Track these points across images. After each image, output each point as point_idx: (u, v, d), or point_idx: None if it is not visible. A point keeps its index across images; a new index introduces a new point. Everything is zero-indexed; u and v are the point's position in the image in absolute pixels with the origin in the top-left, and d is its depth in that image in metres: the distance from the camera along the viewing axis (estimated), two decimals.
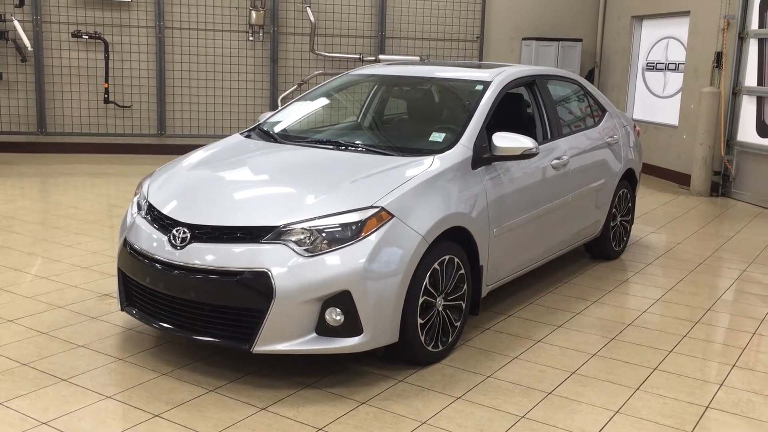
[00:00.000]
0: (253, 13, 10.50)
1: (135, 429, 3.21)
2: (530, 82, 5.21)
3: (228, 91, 10.77)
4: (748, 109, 9.00)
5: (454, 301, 4.03)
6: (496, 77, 4.87)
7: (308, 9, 10.56)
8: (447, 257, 3.91)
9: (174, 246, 3.67)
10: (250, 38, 10.69)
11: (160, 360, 3.88)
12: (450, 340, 4.04)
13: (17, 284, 4.98)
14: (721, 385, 3.88)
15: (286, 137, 4.80)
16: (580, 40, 11.40)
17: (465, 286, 4.09)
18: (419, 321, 3.77)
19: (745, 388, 3.85)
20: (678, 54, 10.24)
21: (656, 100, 10.75)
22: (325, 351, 3.56)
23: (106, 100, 10.29)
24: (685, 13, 9.84)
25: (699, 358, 4.23)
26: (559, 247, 5.32)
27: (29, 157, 10.08)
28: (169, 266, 3.67)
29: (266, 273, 3.46)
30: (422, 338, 3.82)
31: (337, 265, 3.49)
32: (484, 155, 4.32)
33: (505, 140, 4.34)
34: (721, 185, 9.23)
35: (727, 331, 4.76)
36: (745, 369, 4.09)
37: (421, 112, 5.29)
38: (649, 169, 10.21)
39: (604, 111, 6.07)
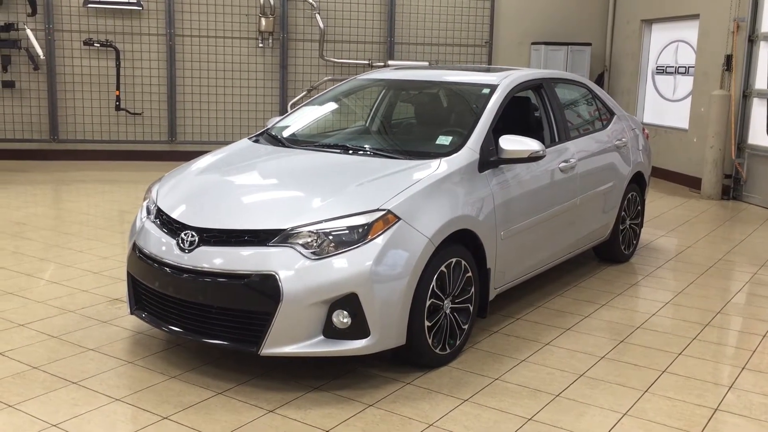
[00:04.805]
0: (263, 20, 10.57)
1: (144, 431, 3.23)
2: (537, 86, 5.21)
3: (238, 97, 10.83)
4: (758, 112, 8.95)
5: (461, 304, 4.03)
6: (503, 81, 4.88)
7: (317, 15, 10.61)
8: (454, 260, 3.92)
9: (182, 249, 3.70)
10: (260, 45, 10.75)
11: (169, 363, 3.90)
12: (457, 342, 4.04)
13: (29, 289, 5.02)
14: (731, 387, 3.86)
15: (294, 141, 4.83)
16: (589, 44, 11.39)
17: (472, 289, 4.08)
18: (426, 324, 3.77)
19: (756, 391, 3.82)
20: (688, 57, 10.21)
21: (666, 104, 10.72)
22: (333, 353, 3.57)
23: (118, 108, 10.37)
24: (695, 17, 9.82)
25: (709, 360, 4.21)
26: (567, 251, 5.31)
27: (41, 164, 10.17)
28: (177, 270, 3.69)
29: (273, 276, 3.48)
30: (430, 341, 3.82)
31: (344, 267, 3.50)
32: (491, 158, 4.33)
33: (512, 143, 4.34)
34: (732, 188, 9.18)
35: (737, 334, 4.73)
36: (755, 371, 4.07)
37: (428, 116, 5.30)
38: (660, 173, 10.17)
39: (612, 114, 6.06)
